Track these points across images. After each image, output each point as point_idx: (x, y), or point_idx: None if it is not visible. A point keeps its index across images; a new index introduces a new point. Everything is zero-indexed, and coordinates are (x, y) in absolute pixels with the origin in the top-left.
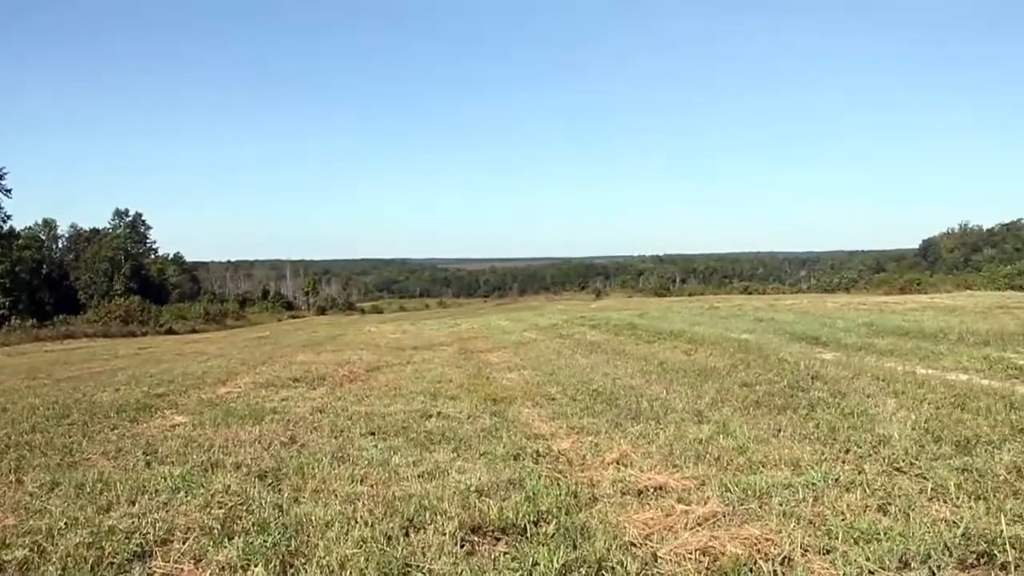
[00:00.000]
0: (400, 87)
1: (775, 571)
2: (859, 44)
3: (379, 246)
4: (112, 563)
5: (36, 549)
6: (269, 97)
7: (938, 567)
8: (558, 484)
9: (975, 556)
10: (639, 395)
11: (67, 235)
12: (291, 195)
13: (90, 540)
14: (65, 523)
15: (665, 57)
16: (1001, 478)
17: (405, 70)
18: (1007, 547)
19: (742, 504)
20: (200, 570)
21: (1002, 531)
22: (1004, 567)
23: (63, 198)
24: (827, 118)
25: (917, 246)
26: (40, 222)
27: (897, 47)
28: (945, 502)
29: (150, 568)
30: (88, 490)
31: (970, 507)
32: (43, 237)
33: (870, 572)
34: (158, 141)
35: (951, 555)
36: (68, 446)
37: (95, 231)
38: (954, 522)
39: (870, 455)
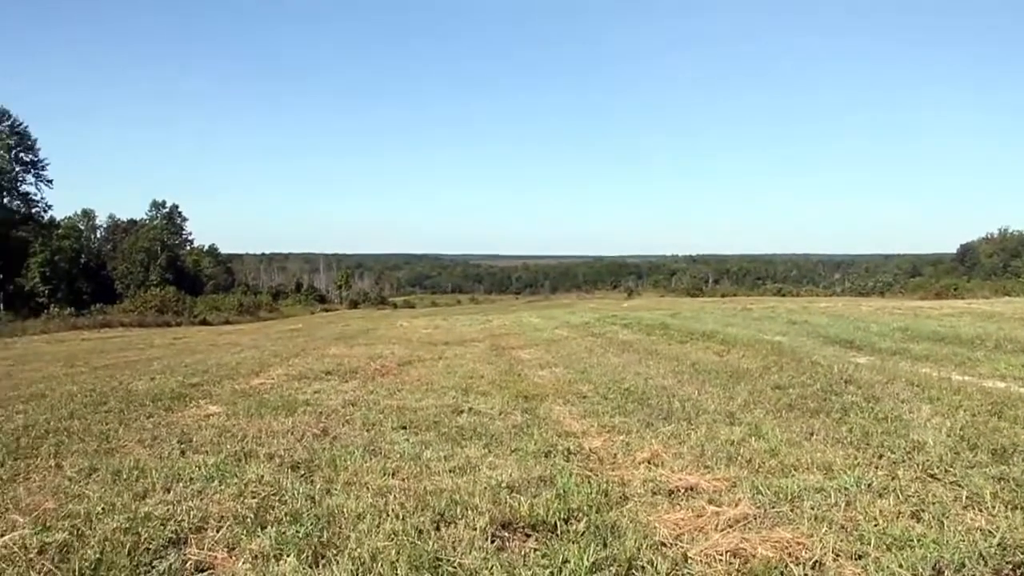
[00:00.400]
0: (438, 82)
1: (806, 575)
2: (896, 45)
3: (412, 241)
4: (148, 548)
5: (75, 533)
6: (307, 91)
7: None
8: (589, 482)
9: (1011, 567)
10: (671, 395)
11: (105, 225)
12: (325, 189)
13: (127, 526)
14: (103, 508)
15: (700, 55)
16: None
17: (448, 63)
18: None
19: (773, 507)
20: (234, 558)
21: None
22: None
23: (102, 189)
24: (866, 119)
25: (955, 251)
26: (79, 212)
27: (934, 49)
28: (980, 511)
29: (185, 555)
30: (125, 477)
31: (1006, 517)
32: (82, 227)
33: None
34: (196, 133)
35: (986, 565)
36: (105, 433)
37: (132, 222)
38: (990, 531)
39: (904, 461)
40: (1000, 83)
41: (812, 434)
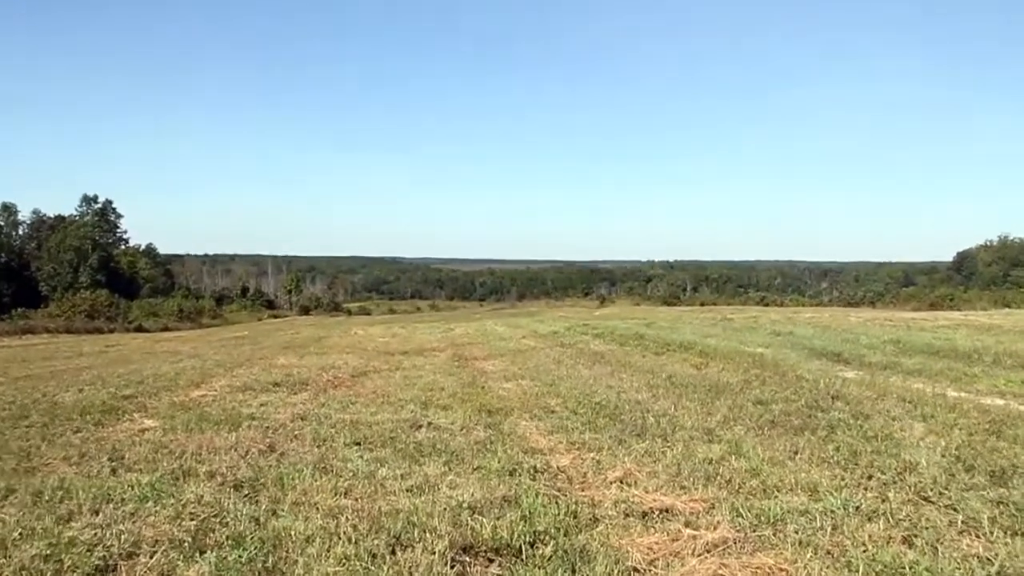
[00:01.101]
0: (394, 79)
1: None
2: (888, 47)
3: (368, 244)
4: None
5: None
6: (254, 83)
7: None
8: (556, 503)
9: None
10: (645, 410)
11: (29, 221)
12: (274, 188)
13: (48, 552)
14: (20, 533)
15: (682, 54)
16: None
17: (400, 62)
18: None
19: (754, 530)
20: None
21: None
22: None
23: (24, 181)
24: (855, 119)
25: (951, 259)
26: None
27: (931, 50)
28: (977, 536)
29: None
30: (47, 498)
31: (1005, 543)
32: (1, 223)
33: None
34: (131, 125)
35: None
36: (25, 450)
37: (60, 218)
38: (987, 559)
39: (895, 482)
40: (1000, 84)
41: (796, 453)
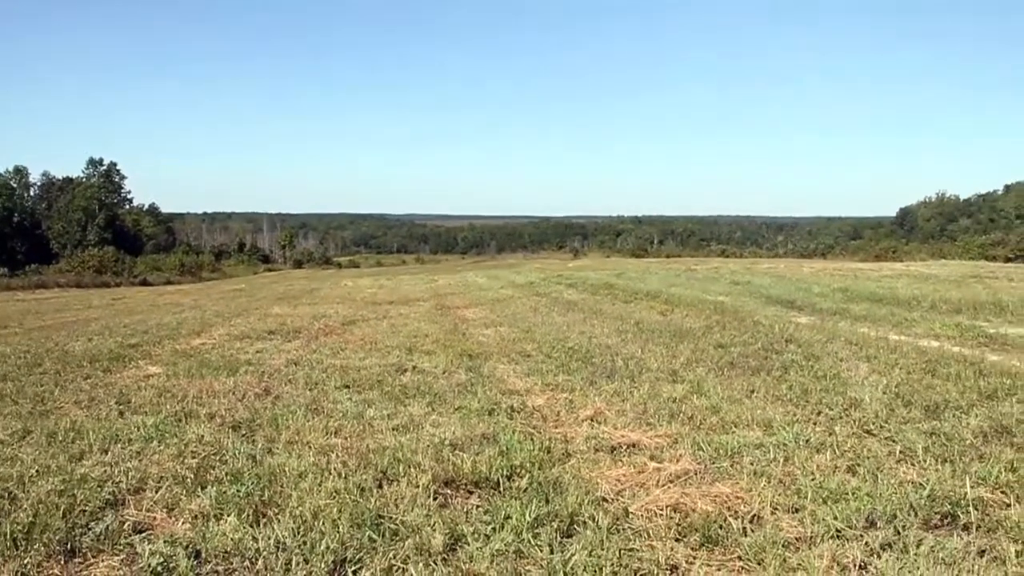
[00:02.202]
0: (381, 40)
1: (744, 528)
2: (837, 11)
3: (357, 201)
4: (84, 510)
5: (7, 496)
6: (249, 46)
7: (903, 527)
8: (532, 440)
9: (939, 517)
10: (614, 354)
11: (39, 183)
12: (268, 148)
13: (62, 488)
14: (36, 471)
15: (647, 18)
16: (968, 442)
17: (386, 22)
18: (970, 509)
19: (714, 463)
20: (173, 519)
21: (966, 493)
22: (967, 528)
23: (35, 145)
24: (808, 84)
25: (894, 214)
26: (11, 169)
27: (877, 16)
28: (912, 464)
29: (122, 516)
30: (60, 438)
31: (936, 470)
32: (14, 185)
33: (837, 531)
34: (135, 89)
35: (916, 515)
36: (40, 395)
37: (68, 180)
38: (920, 484)
39: (841, 417)
40: (942, 49)
41: (753, 392)
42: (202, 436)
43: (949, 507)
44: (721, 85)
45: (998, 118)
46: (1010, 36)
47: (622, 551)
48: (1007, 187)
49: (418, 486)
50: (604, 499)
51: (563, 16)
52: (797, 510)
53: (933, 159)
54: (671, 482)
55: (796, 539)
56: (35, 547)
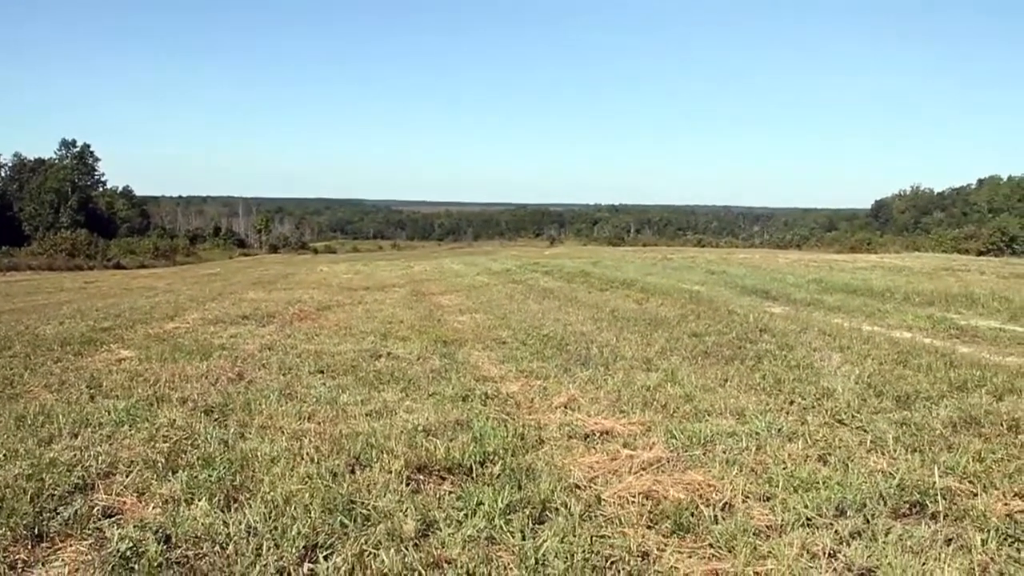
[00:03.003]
0: (363, 20)
1: (716, 516)
2: (815, 7)
3: (334, 186)
4: (53, 495)
5: None
6: (225, 29)
7: (872, 515)
8: (505, 426)
9: (908, 506)
10: (589, 341)
11: (11, 164)
12: (244, 131)
13: (30, 472)
14: (4, 455)
15: (623, 9)
16: (937, 432)
17: (363, 7)
18: (938, 498)
19: (686, 451)
20: (143, 503)
21: (935, 483)
22: (934, 516)
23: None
24: (786, 77)
25: (869, 206)
26: None
27: (855, 11)
28: (883, 454)
29: (92, 500)
30: (29, 422)
31: (906, 459)
32: None
33: (808, 519)
34: (108, 70)
35: (886, 504)
36: (9, 378)
37: (40, 161)
38: (890, 473)
39: (813, 407)
40: (920, 44)
41: (726, 380)
42: (174, 420)
43: (918, 496)
44: (700, 76)
45: (973, 114)
46: (986, 33)
47: (594, 538)
48: (980, 181)
49: (391, 472)
50: (577, 486)
51: (543, 7)
52: (768, 498)
53: (908, 153)
54: (644, 470)
55: (767, 527)
56: (1, 532)
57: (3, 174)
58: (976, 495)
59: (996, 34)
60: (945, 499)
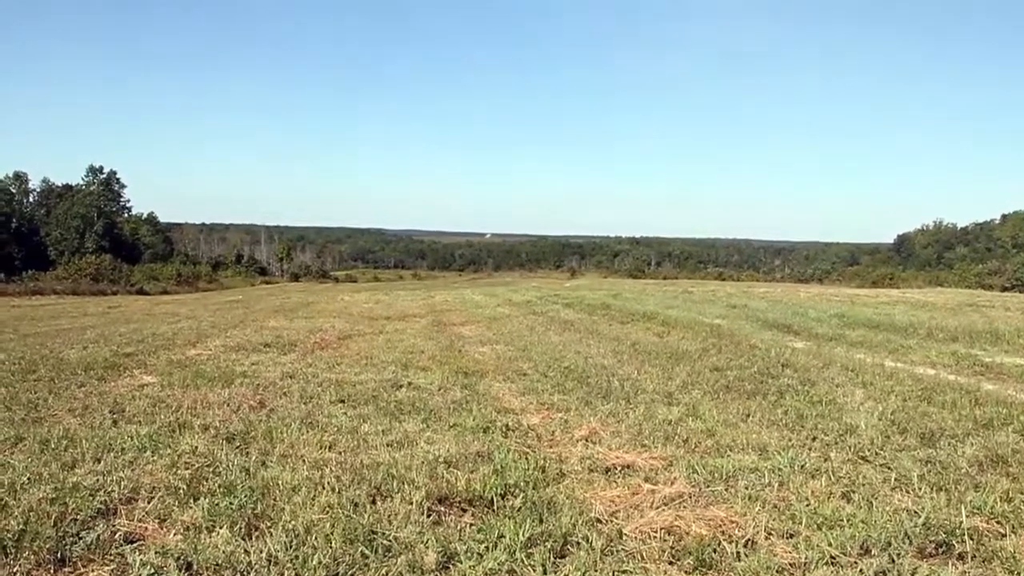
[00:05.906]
0: (381, 55)
1: (738, 553)
2: (842, 37)
3: (355, 215)
4: (75, 519)
5: None
6: (251, 59)
7: (898, 555)
8: (526, 458)
9: (934, 545)
10: (610, 374)
11: (39, 189)
12: (268, 160)
13: (53, 496)
14: (28, 478)
15: (648, 40)
16: (963, 471)
17: (389, 39)
18: (965, 538)
19: (708, 486)
20: (164, 530)
21: (961, 522)
22: (962, 557)
23: (36, 151)
24: (809, 109)
25: (892, 241)
26: (11, 175)
27: (882, 43)
28: (908, 492)
29: (114, 526)
30: (53, 446)
31: (932, 498)
32: (13, 190)
33: (831, 557)
34: (136, 98)
35: (911, 543)
36: (33, 402)
37: (67, 187)
38: (915, 512)
39: (836, 443)
40: (942, 79)
41: (748, 415)
42: (196, 447)
43: (944, 536)
44: (723, 108)
45: (997, 148)
46: (1011, 65)
47: (615, 573)
48: (1004, 216)
49: (412, 503)
50: (598, 520)
51: (567, 35)
52: (791, 535)
53: (931, 187)
54: (665, 504)
55: (790, 565)
56: (25, 555)
57: (31, 199)
58: (1004, 536)
59: (1021, 67)
60: (972, 539)
